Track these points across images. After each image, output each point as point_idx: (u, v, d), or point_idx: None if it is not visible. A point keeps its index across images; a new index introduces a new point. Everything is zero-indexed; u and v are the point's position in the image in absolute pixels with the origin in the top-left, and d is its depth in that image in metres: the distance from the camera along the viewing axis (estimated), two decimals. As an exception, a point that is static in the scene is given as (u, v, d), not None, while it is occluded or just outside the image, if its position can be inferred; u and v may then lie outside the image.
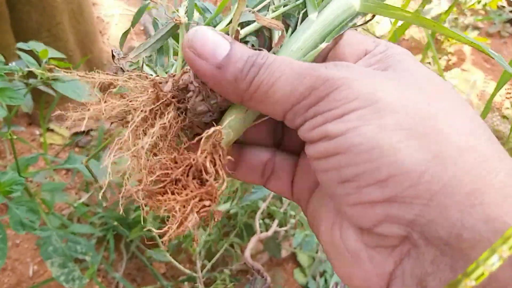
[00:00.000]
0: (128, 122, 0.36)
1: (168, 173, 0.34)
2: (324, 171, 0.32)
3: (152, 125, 0.35)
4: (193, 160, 0.34)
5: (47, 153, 1.33)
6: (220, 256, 1.26)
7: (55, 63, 0.77)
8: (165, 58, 0.44)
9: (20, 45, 0.73)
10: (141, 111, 0.34)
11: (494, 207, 0.26)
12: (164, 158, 0.35)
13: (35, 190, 1.12)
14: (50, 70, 0.39)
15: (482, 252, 0.26)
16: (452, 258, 0.27)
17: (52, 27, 1.69)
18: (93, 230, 1.16)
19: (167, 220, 0.33)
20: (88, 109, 0.35)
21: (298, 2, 0.39)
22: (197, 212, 0.33)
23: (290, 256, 1.42)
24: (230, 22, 0.38)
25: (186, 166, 0.35)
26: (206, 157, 0.35)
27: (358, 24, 0.38)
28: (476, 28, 2.36)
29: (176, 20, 0.39)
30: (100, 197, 0.33)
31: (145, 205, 0.34)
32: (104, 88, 0.37)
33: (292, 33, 0.39)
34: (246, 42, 0.38)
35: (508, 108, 2.02)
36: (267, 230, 1.28)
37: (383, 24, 2.27)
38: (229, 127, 0.36)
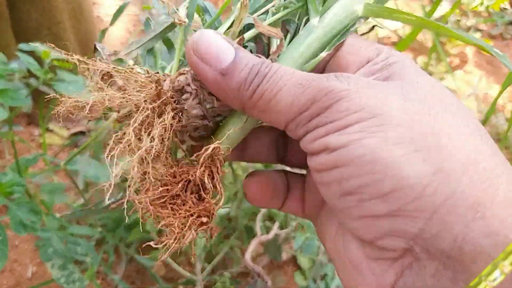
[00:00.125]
0: (123, 117, 0.35)
1: (168, 189, 0.34)
2: (325, 184, 0.32)
3: (151, 124, 0.34)
4: (192, 176, 0.35)
5: (46, 154, 1.32)
6: (220, 259, 1.26)
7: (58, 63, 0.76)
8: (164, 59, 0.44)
9: (22, 46, 0.73)
10: (144, 108, 0.33)
11: (496, 221, 0.26)
12: (164, 173, 0.35)
13: (34, 191, 1.11)
14: (53, 70, 0.39)
15: (483, 266, 0.26)
16: (453, 272, 0.27)
17: (52, 26, 1.69)
18: (92, 232, 1.15)
19: (166, 234, 0.34)
20: (82, 97, 0.34)
21: (297, 5, 0.38)
22: (195, 230, 0.34)
23: (291, 259, 1.42)
24: (231, 26, 0.37)
25: (185, 181, 0.35)
26: (204, 171, 0.35)
27: (360, 27, 0.38)
28: (478, 30, 2.35)
29: (178, 21, 0.38)
30: (107, 201, 0.32)
31: (144, 214, 0.35)
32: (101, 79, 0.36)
33: (291, 39, 0.38)
34: (244, 47, 0.38)
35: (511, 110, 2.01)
36: (267, 232, 1.27)
37: (385, 25, 2.27)
38: (228, 139, 0.36)
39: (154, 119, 0.33)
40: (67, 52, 0.35)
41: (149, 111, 0.33)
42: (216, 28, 0.39)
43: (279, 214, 1.26)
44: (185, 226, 0.34)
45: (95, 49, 0.40)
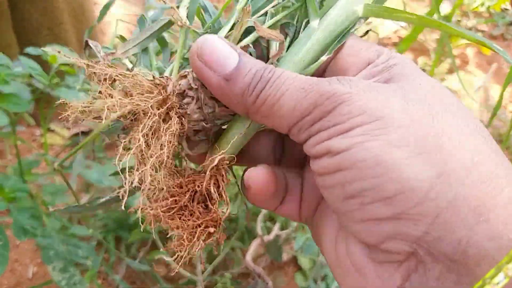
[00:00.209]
0: (131, 123, 0.35)
1: (176, 200, 0.35)
2: (328, 187, 0.32)
3: (158, 129, 0.34)
4: (198, 186, 0.35)
5: (47, 154, 1.32)
6: (221, 259, 1.26)
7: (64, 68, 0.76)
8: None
9: (30, 50, 0.73)
10: (151, 114, 0.33)
11: (499, 224, 0.26)
12: (171, 184, 0.35)
13: (36, 192, 1.11)
14: (59, 75, 0.38)
15: (487, 269, 0.26)
16: (457, 275, 0.27)
17: (54, 26, 1.69)
18: (93, 232, 1.16)
19: (173, 243, 0.34)
20: (91, 103, 0.34)
21: (296, 5, 0.38)
22: (203, 240, 0.34)
23: (291, 259, 1.42)
24: (231, 29, 0.37)
25: (192, 192, 0.35)
26: (210, 181, 0.35)
27: (359, 28, 0.38)
28: (479, 30, 2.35)
29: (180, 24, 0.38)
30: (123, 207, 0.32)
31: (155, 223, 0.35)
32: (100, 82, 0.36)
33: (291, 42, 0.38)
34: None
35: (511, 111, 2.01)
36: (268, 233, 1.27)
37: (386, 26, 2.27)
38: (232, 147, 0.36)
39: (160, 124, 0.34)
40: (73, 56, 0.35)
41: (156, 117, 0.33)
42: (216, 30, 0.39)
43: (280, 214, 1.26)
44: (193, 237, 0.34)
45: (86, 45, 0.40)
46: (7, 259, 0.71)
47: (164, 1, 0.41)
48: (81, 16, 1.82)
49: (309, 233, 1.27)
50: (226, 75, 0.33)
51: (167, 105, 0.34)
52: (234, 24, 0.38)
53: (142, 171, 0.32)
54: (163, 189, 0.34)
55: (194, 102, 0.35)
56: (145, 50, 0.41)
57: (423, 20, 0.35)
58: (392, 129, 0.29)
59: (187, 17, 0.39)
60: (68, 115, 0.33)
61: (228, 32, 0.38)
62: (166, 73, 0.38)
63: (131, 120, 0.34)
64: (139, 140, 0.32)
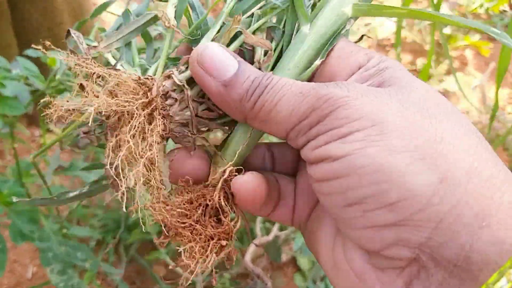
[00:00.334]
0: (114, 123, 0.35)
1: (188, 216, 0.35)
2: (328, 194, 0.32)
3: (143, 130, 0.34)
4: (210, 200, 0.35)
5: (47, 155, 1.32)
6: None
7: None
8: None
9: (30, 52, 0.72)
10: (137, 114, 0.33)
11: (502, 229, 0.27)
12: (181, 200, 0.35)
13: (35, 192, 1.11)
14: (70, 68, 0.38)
15: (489, 274, 0.26)
16: (460, 280, 0.27)
17: (54, 26, 1.69)
18: (92, 232, 1.16)
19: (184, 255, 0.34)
20: (75, 102, 0.34)
21: (280, 9, 0.38)
22: (216, 253, 0.34)
23: (290, 260, 1.42)
24: (218, 31, 0.37)
25: (203, 206, 0.35)
26: (220, 194, 0.35)
27: (359, 30, 0.38)
28: (478, 32, 2.36)
29: (168, 25, 0.38)
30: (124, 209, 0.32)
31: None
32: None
33: (276, 47, 0.38)
34: None
35: (510, 113, 2.01)
36: (267, 234, 1.27)
37: (385, 27, 2.27)
38: (238, 157, 0.36)
39: (145, 125, 0.34)
40: (65, 52, 0.35)
41: (142, 118, 0.33)
42: (203, 31, 0.39)
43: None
44: (205, 250, 0.34)
45: (68, 34, 0.40)
46: (5, 263, 0.71)
47: (153, 0, 0.41)
48: (80, 16, 1.82)
49: (308, 234, 1.27)
50: (225, 81, 0.33)
51: (152, 107, 0.34)
52: (221, 27, 0.38)
53: (136, 171, 0.32)
54: (161, 188, 0.34)
55: (178, 104, 0.35)
56: (128, 45, 0.40)
57: (413, 12, 0.35)
58: (391, 134, 0.29)
59: (175, 17, 0.39)
60: (51, 113, 0.33)
61: (216, 34, 0.38)
62: (150, 72, 0.38)
63: (115, 120, 0.34)
64: (127, 141, 0.32)
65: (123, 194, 0.32)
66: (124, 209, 0.33)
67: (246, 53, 0.39)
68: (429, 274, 0.28)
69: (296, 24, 0.38)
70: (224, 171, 0.35)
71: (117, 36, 0.39)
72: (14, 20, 1.64)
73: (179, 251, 0.34)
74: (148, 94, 0.34)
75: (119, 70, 0.36)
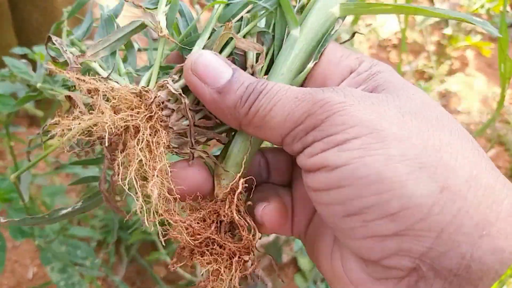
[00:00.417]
0: (117, 138, 0.35)
1: (201, 233, 0.34)
2: (325, 204, 0.31)
3: (149, 143, 0.33)
4: (224, 216, 0.35)
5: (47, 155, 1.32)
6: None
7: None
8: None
9: (16, 50, 0.72)
10: (144, 128, 0.33)
11: (501, 238, 0.27)
12: (194, 218, 0.35)
13: (35, 192, 1.11)
14: (50, 74, 0.37)
15: (490, 283, 0.26)
16: None
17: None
18: (93, 233, 1.16)
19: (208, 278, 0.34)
20: (81, 119, 0.33)
21: (267, 12, 0.38)
22: (240, 269, 0.34)
23: (291, 260, 1.42)
24: (209, 38, 0.37)
25: (216, 223, 0.35)
26: (232, 208, 0.35)
27: (338, 31, 0.38)
28: (479, 32, 2.35)
29: (161, 35, 0.37)
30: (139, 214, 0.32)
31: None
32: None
33: (267, 51, 0.38)
34: None
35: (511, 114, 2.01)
36: (268, 235, 1.27)
37: (386, 28, 2.27)
38: (245, 168, 0.36)
39: (149, 137, 0.33)
40: (63, 70, 0.35)
41: (148, 131, 0.33)
42: (194, 38, 0.38)
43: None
44: (230, 270, 0.34)
45: (48, 40, 0.39)
46: (3, 261, 0.71)
47: (143, 9, 0.40)
48: (80, 15, 1.82)
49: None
50: (219, 88, 0.33)
51: (154, 119, 0.34)
52: (211, 33, 0.38)
53: (153, 183, 0.32)
54: (175, 199, 0.34)
55: (175, 114, 0.35)
56: (112, 53, 0.40)
57: (399, 8, 0.35)
58: (392, 143, 0.28)
59: (166, 25, 0.38)
60: (58, 133, 0.32)
61: (206, 40, 0.37)
62: (143, 83, 0.37)
63: (117, 135, 0.34)
64: (137, 155, 0.32)
65: (142, 207, 0.32)
66: (146, 224, 0.32)
67: (238, 60, 0.38)
68: (428, 284, 0.28)
69: (284, 28, 0.38)
70: (236, 186, 0.35)
71: (103, 44, 0.38)
72: (15, 20, 1.64)
73: (202, 273, 0.34)
74: (152, 107, 0.34)
75: (111, 80, 0.36)
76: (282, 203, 0.37)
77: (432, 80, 2.10)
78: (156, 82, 0.36)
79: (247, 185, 0.36)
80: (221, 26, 0.37)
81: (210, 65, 0.34)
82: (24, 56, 0.81)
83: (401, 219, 0.27)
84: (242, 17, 0.38)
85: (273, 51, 0.38)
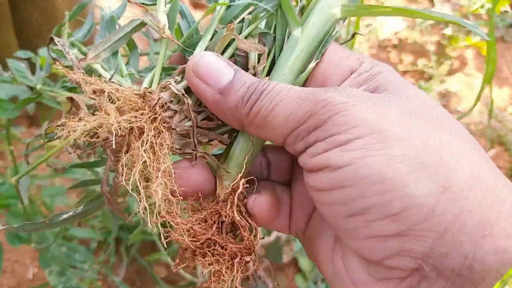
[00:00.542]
0: (122, 139, 0.35)
1: (203, 233, 0.34)
2: (328, 204, 0.31)
3: (153, 144, 0.34)
4: (225, 217, 0.35)
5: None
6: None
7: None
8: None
9: (19, 53, 0.72)
10: (148, 129, 0.33)
11: (502, 238, 0.27)
12: (196, 219, 0.35)
13: (35, 193, 1.11)
14: (54, 76, 0.38)
15: (491, 283, 0.26)
16: None
17: (53, 28, 1.69)
18: (93, 233, 1.15)
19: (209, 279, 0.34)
20: (87, 121, 0.33)
21: (268, 14, 0.38)
22: (241, 270, 0.34)
23: (291, 261, 1.42)
24: (211, 39, 0.37)
25: (217, 223, 0.35)
26: (233, 209, 0.35)
27: (339, 32, 0.38)
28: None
29: (164, 36, 0.37)
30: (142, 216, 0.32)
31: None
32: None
33: (269, 52, 0.38)
34: None
35: (511, 113, 2.01)
36: (269, 234, 1.27)
37: (386, 28, 2.27)
38: (245, 168, 0.36)
39: (153, 139, 0.33)
40: (69, 71, 0.35)
41: (152, 132, 0.33)
42: (196, 40, 0.39)
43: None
44: (232, 270, 0.34)
45: (51, 41, 0.39)
46: (0, 264, 0.70)
47: (146, 9, 0.40)
48: (81, 16, 1.82)
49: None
50: (220, 89, 0.33)
51: (158, 120, 0.34)
52: (213, 34, 0.38)
53: (157, 184, 0.32)
54: (179, 202, 0.34)
55: (178, 115, 0.35)
56: (114, 54, 0.40)
57: (397, 10, 0.36)
58: (393, 143, 0.28)
59: (168, 26, 0.38)
60: (64, 135, 0.32)
61: (208, 42, 0.38)
62: (145, 84, 0.38)
63: (122, 136, 0.34)
64: (141, 156, 0.32)
65: (145, 209, 0.32)
66: (149, 226, 0.32)
67: (239, 61, 0.38)
68: (431, 284, 0.28)
69: (285, 29, 0.38)
70: (237, 186, 0.35)
71: (104, 45, 0.38)
72: (15, 20, 1.64)
73: (203, 273, 0.35)
74: (156, 108, 0.34)
75: (115, 82, 0.35)
76: (273, 196, 0.37)
77: (432, 80, 2.10)
78: (158, 83, 0.36)
79: (248, 185, 0.36)
80: (223, 28, 0.37)
81: (212, 67, 0.34)
82: (25, 59, 0.81)
83: (403, 219, 0.28)
84: (243, 18, 0.38)
85: (274, 52, 0.38)
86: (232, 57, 0.38)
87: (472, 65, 2.22)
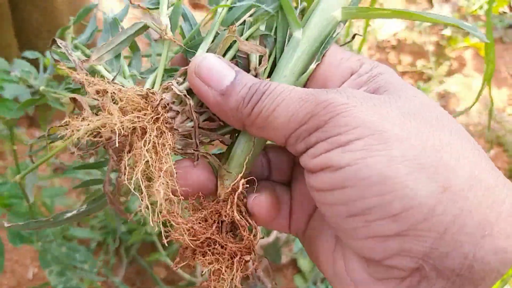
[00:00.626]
0: (124, 139, 0.35)
1: (203, 232, 0.35)
2: (329, 204, 0.31)
3: (155, 144, 0.34)
4: (225, 216, 0.35)
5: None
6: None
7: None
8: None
9: (27, 54, 0.72)
10: (150, 130, 0.33)
11: (503, 237, 0.27)
12: (196, 218, 0.35)
13: (35, 194, 1.11)
14: (57, 78, 0.38)
15: (492, 282, 0.27)
16: None
17: (54, 27, 1.69)
18: (93, 234, 1.16)
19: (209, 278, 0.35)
20: (90, 120, 0.33)
21: (270, 15, 0.38)
22: (241, 269, 0.34)
23: (290, 261, 1.42)
24: (213, 41, 0.38)
25: (217, 223, 0.35)
26: (233, 208, 0.35)
27: (339, 34, 0.39)
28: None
29: (167, 37, 0.38)
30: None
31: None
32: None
33: (270, 54, 0.39)
34: None
35: (510, 114, 2.02)
36: (268, 235, 1.27)
37: (385, 29, 2.27)
38: (246, 168, 0.36)
39: (155, 139, 0.34)
40: (72, 71, 0.35)
41: (154, 132, 0.33)
42: (198, 41, 0.39)
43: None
44: (231, 270, 0.34)
45: (53, 43, 0.39)
46: (2, 264, 0.71)
47: (149, 12, 0.40)
48: (84, 22, 1.81)
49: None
50: (222, 90, 0.34)
51: (160, 121, 0.34)
52: (215, 36, 0.38)
53: (159, 183, 0.32)
54: (180, 202, 0.34)
55: (180, 116, 0.36)
56: (117, 56, 0.40)
57: (396, 13, 0.36)
58: (393, 144, 0.29)
59: (170, 28, 0.39)
60: (67, 134, 0.33)
61: (210, 44, 0.38)
62: (148, 85, 0.38)
63: (125, 136, 0.34)
64: (144, 156, 0.32)
65: (147, 208, 0.32)
66: (150, 225, 0.33)
67: (241, 63, 0.39)
68: (431, 284, 0.28)
69: (285, 30, 0.38)
70: (237, 186, 0.35)
71: (107, 47, 0.39)
72: (15, 20, 1.64)
73: (203, 273, 0.35)
74: (158, 108, 0.34)
75: (116, 84, 0.36)
76: (273, 195, 0.37)
77: (431, 81, 2.11)
78: (161, 84, 0.37)
79: (248, 185, 0.36)
80: (224, 30, 0.38)
81: (213, 68, 0.34)
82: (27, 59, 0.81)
83: (403, 219, 0.28)
84: (244, 20, 0.38)
85: (275, 54, 0.39)
86: (233, 59, 0.38)
87: (471, 66, 2.23)
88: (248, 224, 0.36)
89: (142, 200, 0.32)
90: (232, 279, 0.34)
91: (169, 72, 0.39)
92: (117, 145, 0.32)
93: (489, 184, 0.28)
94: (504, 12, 2.42)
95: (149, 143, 0.33)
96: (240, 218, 0.35)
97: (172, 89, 0.35)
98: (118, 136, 0.33)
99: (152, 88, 0.37)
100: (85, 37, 0.49)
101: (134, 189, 0.32)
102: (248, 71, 0.38)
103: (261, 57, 0.38)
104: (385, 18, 0.38)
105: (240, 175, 0.36)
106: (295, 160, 0.41)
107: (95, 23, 0.50)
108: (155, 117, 0.34)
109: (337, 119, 0.30)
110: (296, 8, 0.39)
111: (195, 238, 0.34)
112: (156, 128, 0.34)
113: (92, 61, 0.38)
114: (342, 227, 0.31)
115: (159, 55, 0.39)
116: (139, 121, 0.33)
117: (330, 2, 0.37)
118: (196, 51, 0.38)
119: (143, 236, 1.21)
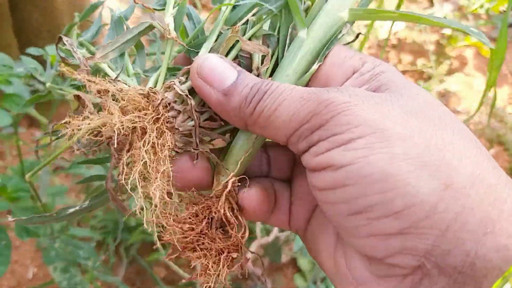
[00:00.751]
0: (124, 138, 0.35)
1: (194, 229, 0.35)
2: (330, 203, 0.31)
3: (154, 145, 0.34)
4: (215, 213, 0.35)
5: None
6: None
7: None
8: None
9: (31, 50, 0.73)
10: (150, 130, 0.33)
11: (505, 235, 0.27)
12: (187, 214, 0.35)
13: (35, 193, 1.11)
14: (62, 75, 0.38)
15: (493, 280, 0.26)
16: (464, 287, 0.27)
17: (53, 28, 1.69)
18: (93, 233, 1.16)
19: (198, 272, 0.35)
20: (91, 119, 0.33)
21: (273, 14, 0.38)
22: (228, 266, 0.35)
23: (290, 261, 1.42)
24: (216, 41, 0.38)
25: (208, 219, 0.35)
26: (225, 206, 0.35)
27: (345, 33, 0.38)
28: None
29: (170, 37, 0.38)
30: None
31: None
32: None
33: (272, 53, 0.38)
34: None
35: (511, 113, 2.02)
36: (267, 234, 1.27)
37: (385, 28, 2.27)
38: (240, 167, 0.36)
39: (155, 139, 0.34)
40: (73, 71, 0.35)
41: (154, 133, 0.33)
42: (201, 41, 0.39)
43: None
44: (218, 265, 0.34)
45: (59, 41, 0.39)
46: (9, 260, 0.71)
47: (153, 11, 0.40)
48: (89, 20, 1.82)
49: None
50: (224, 90, 0.34)
51: (161, 121, 0.34)
52: (218, 36, 0.38)
53: (156, 186, 0.32)
54: (174, 203, 0.35)
55: (181, 115, 0.36)
56: (121, 54, 0.40)
57: (403, 15, 0.36)
58: (395, 142, 0.29)
59: (174, 27, 0.39)
60: (68, 133, 0.33)
61: (213, 43, 0.38)
62: (150, 84, 0.38)
63: (125, 135, 0.34)
64: (142, 156, 0.32)
65: (142, 209, 0.32)
66: (145, 226, 0.33)
67: (243, 62, 0.39)
68: (432, 281, 0.28)
69: (290, 30, 0.38)
70: (227, 183, 0.35)
71: (112, 46, 0.39)
72: (15, 20, 1.64)
73: (191, 266, 0.35)
74: (159, 108, 0.34)
75: (120, 82, 0.36)
76: (264, 189, 0.37)
77: (432, 80, 2.11)
78: (163, 83, 0.37)
79: (240, 184, 0.36)
80: (227, 29, 0.38)
81: (215, 68, 0.34)
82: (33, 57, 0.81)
83: (405, 217, 0.28)
84: (247, 20, 0.38)
85: (278, 53, 0.39)
86: (236, 58, 0.38)
87: (471, 64, 2.22)
88: (236, 222, 0.36)
89: (137, 201, 0.32)
90: (218, 275, 0.34)
91: (172, 71, 0.39)
92: (115, 145, 0.32)
93: (491, 182, 0.28)
94: (504, 11, 2.42)
95: (148, 144, 0.33)
96: (230, 215, 0.35)
97: (174, 88, 0.35)
98: (118, 136, 0.32)
99: (155, 87, 0.37)
100: (90, 35, 0.49)
101: (131, 189, 0.32)
102: (250, 70, 0.38)
103: (263, 57, 0.38)
104: (392, 20, 0.38)
105: (233, 173, 0.36)
106: (296, 158, 0.41)
107: (100, 21, 0.50)
108: (156, 117, 0.34)
109: (339, 117, 0.30)
110: (302, 10, 0.39)
111: (184, 236, 0.35)
112: (156, 129, 0.34)
113: (97, 59, 0.38)
114: (344, 225, 0.31)
115: (164, 53, 0.39)
116: (139, 121, 0.33)
117: (337, 2, 0.37)
118: (199, 50, 0.38)
119: (143, 236, 1.21)
